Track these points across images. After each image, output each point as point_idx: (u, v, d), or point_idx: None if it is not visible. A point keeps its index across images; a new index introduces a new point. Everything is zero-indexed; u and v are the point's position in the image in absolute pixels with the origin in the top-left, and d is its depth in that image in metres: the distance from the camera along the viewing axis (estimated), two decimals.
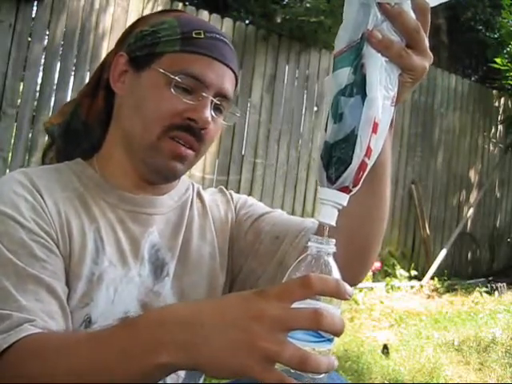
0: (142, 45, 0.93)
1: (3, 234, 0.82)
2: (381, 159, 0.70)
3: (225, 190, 1.11)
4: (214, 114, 0.93)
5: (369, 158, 0.61)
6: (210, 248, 1.01)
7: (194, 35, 0.91)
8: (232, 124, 1.02)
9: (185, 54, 0.90)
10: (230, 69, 0.94)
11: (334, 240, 0.61)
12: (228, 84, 0.94)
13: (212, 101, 0.92)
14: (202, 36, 0.92)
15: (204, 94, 0.90)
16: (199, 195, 1.07)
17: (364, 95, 0.60)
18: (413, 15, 0.64)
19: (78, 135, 1.00)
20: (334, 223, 0.62)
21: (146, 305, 0.92)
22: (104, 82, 0.98)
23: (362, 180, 0.63)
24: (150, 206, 0.97)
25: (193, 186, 1.09)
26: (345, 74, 0.61)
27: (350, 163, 0.60)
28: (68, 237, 0.87)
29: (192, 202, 1.05)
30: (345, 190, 0.62)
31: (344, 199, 0.62)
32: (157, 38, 0.92)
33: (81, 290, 0.86)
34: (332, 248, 0.60)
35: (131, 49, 0.95)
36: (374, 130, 0.61)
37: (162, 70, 0.90)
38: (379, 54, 0.61)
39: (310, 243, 0.61)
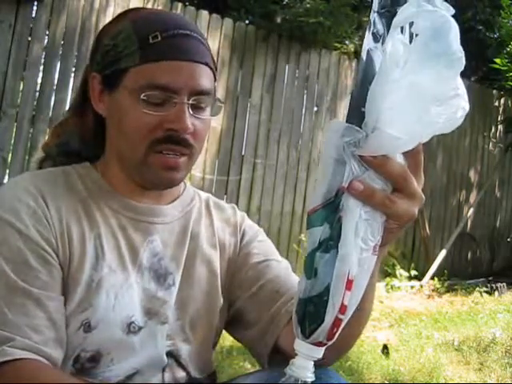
0: (108, 62, 0.91)
1: (1, 241, 0.83)
2: (363, 304, 0.64)
3: (237, 210, 1.09)
4: (195, 114, 0.89)
5: (343, 314, 0.60)
6: (214, 266, 1.01)
7: (150, 41, 0.87)
8: (219, 115, 1.01)
9: (146, 64, 0.87)
10: (199, 62, 0.89)
11: (312, 369, 0.60)
12: (201, 79, 0.88)
13: (188, 104, 0.88)
14: (159, 39, 0.87)
15: (176, 101, 0.87)
16: (208, 208, 1.05)
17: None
18: (399, 158, 0.60)
19: (80, 153, 1.00)
20: (309, 374, 0.60)
21: (149, 310, 0.93)
22: (89, 99, 0.96)
23: (337, 335, 0.61)
24: (152, 214, 0.96)
25: (199, 196, 1.06)
26: (319, 233, 0.59)
27: (323, 321, 0.59)
28: (68, 243, 0.87)
29: (200, 214, 1.03)
30: (319, 344, 0.61)
31: (318, 352, 0.61)
32: (118, 52, 0.90)
33: (79, 296, 0.86)
34: (310, 377, 0.60)
35: (100, 68, 0.93)
36: (348, 287, 0.58)
37: (128, 89, 0.88)
38: (358, 208, 0.58)
39: (287, 369, 0.60)
